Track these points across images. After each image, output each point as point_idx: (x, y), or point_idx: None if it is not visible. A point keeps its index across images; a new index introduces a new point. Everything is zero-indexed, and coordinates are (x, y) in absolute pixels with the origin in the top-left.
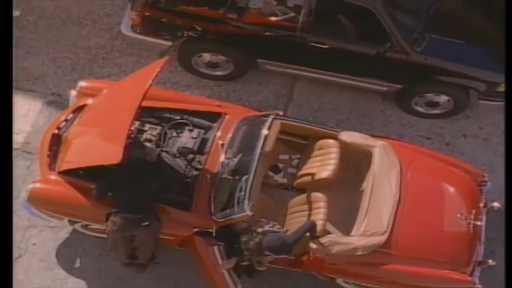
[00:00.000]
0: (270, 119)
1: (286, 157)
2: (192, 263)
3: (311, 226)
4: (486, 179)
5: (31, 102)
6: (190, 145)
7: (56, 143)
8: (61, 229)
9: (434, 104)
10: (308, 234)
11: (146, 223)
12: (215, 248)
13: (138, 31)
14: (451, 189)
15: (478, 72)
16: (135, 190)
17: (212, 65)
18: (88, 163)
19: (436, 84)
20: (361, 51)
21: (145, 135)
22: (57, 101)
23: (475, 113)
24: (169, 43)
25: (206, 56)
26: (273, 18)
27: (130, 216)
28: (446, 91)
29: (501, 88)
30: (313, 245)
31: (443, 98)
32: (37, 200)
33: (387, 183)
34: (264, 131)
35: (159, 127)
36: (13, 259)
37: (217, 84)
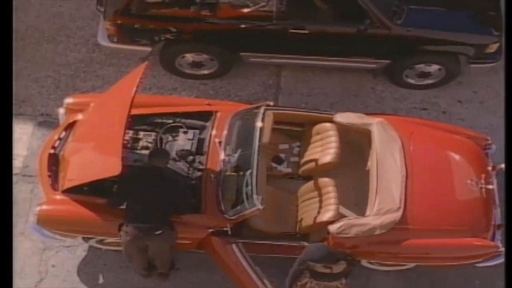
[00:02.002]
0: (261, 110)
1: (286, 146)
2: (214, 264)
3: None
4: (490, 142)
5: (22, 126)
6: (188, 147)
7: (54, 162)
8: (77, 247)
9: (425, 75)
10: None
11: (159, 232)
12: (233, 246)
13: (115, 40)
14: (457, 156)
15: (464, 37)
16: (147, 200)
17: (196, 64)
18: (89, 178)
19: (424, 55)
20: (342, 32)
21: (141, 143)
22: (47, 121)
23: (467, 78)
24: (149, 49)
25: (189, 57)
26: (246, 10)
27: (142, 226)
28: (435, 60)
29: (490, 50)
30: (331, 230)
31: (433, 68)
32: (46, 221)
33: (391, 159)
34: (258, 124)
35: (153, 133)
36: (35, 284)
37: (204, 83)
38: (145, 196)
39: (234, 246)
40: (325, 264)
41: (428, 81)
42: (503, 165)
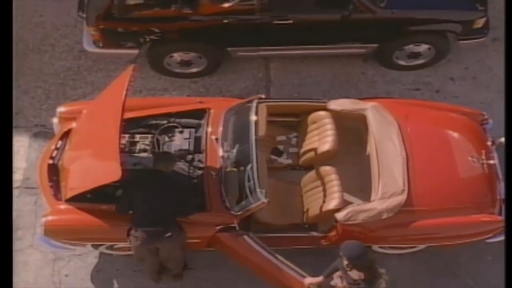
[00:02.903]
0: (254, 104)
1: (283, 138)
2: (228, 259)
3: None
4: (486, 117)
5: (18, 139)
6: (185, 147)
7: (54, 172)
8: (88, 255)
9: (415, 55)
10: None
11: (169, 234)
12: (245, 237)
13: (100, 45)
14: (455, 134)
15: (449, 14)
16: (154, 203)
17: (185, 63)
18: (91, 185)
19: (411, 35)
20: (326, 19)
21: (138, 146)
22: (42, 132)
23: (456, 55)
24: (135, 51)
25: (177, 56)
26: (227, 4)
27: (151, 230)
28: (423, 39)
29: (477, 25)
30: (338, 218)
31: (423, 48)
32: (53, 232)
33: (390, 142)
34: (253, 117)
35: (149, 135)
36: None
37: (194, 81)
38: (151, 200)
39: (245, 237)
40: (360, 264)
41: (419, 61)
42: (502, 139)
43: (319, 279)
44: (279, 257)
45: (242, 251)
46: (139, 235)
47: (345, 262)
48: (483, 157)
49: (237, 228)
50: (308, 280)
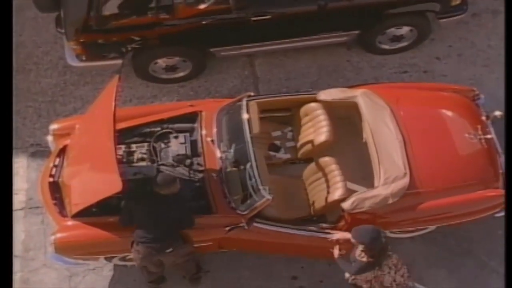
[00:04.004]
0: (244, 102)
1: (278, 133)
2: (248, 253)
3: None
4: (477, 92)
5: (16, 160)
6: (182, 151)
7: (56, 190)
8: (103, 268)
9: (398, 38)
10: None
11: (170, 249)
12: (255, 224)
13: (83, 59)
14: (449, 113)
15: None
16: (155, 222)
17: (170, 68)
18: (94, 199)
19: (391, 18)
20: (303, 11)
21: (136, 155)
22: (39, 151)
23: (438, 34)
24: (119, 61)
25: (161, 62)
26: (203, 6)
27: (153, 245)
28: (403, 22)
29: (455, 2)
30: (344, 207)
31: (404, 30)
32: (64, 248)
33: (384, 126)
34: (245, 116)
35: (145, 144)
36: None
37: (182, 86)
38: (152, 220)
39: (255, 224)
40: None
41: (402, 44)
42: (497, 112)
43: (347, 235)
44: (296, 226)
45: (260, 238)
46: (141, 249)
47: (360, 249)
48: (480, 132)
49: (246, 227)
50: (336, 236)
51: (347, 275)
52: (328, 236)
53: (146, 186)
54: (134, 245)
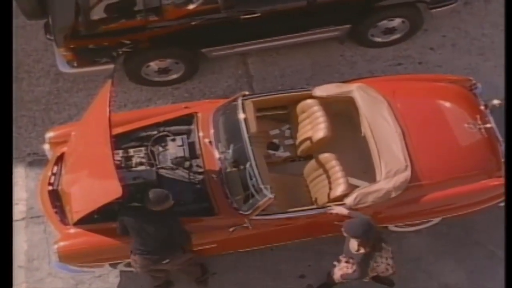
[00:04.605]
0: (239, 102)
1: (276, 131)
2: (255, 252)
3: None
4: (474, 81)
5: (14, 170)
6: (181, 154)
7: (56, 198)
8: (109, 275)
9: (390, 31)
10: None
11: (167, 260)
12: (258, 217)
13: (75, 65)
14: (446, 103)
15: None
16: (147, 237)
17: (163, 71)
18: (94, 206)
19: (382, 11)
20: (293, 7)
21: (134, 160)
22: (36, 160)
23: (431, 24)
24: (111, 66)
25: (154, 65)
26: (191, 7)
27: (148, 257)
28: (395, 13)
29: None
30: (347, 203)
31: (396, 22)
32: (67, 257)
33: (382, 120)
34: (241, 115)
35: (143, 148)
36: None
37: (176, 88)
38: (145, 236)
39: (258, 217)
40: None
41: (395, 36)
42: (495, 101)
43: (344, 210)
44: (300, 208)
45: (269, 228)
46: (137, 259)
47: (355, 241)
48: (479, 122)
49: (250, 227)
50: (334, 210)
51: (365, 280)
52: (328, 210)
53: (139, 201)
54: (131, 255)
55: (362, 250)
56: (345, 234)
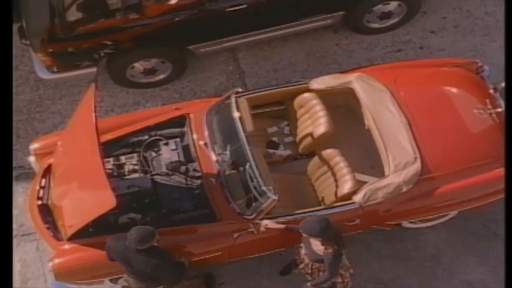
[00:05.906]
0: (233, 99)
1: (275, 129)
2: (263, 259)
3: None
4: (480, 64)
5: None
6: (175, 158)
7: (46, 213)
8: None
9: (387, 15)
10: None
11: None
12: (263, 221)
13: (55, 70)
14: (453, 89)
15: None
16: (137, 270)
17: (149, 71)
18: (88, 219)
19: None
20: None
21: (126, 168)
22: (22, 174)
23: (429, 5)
24: (94, 69)
25: (139, 65)
26: (173, 2)
27: (141, 283)
28: None
29: None
30: (356, 200)
31: (393, 5)
32: (64, 274)
33: (386, 110)
34: (235, 114)
35: (135, 154)
36: None
37: (164, 89)
38: (135, 269)
39: (263, 221)
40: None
41: (393, 21)
42: (504, 84)
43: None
44: (307, 209)
45: (276, 232)
46: (130, 282)
47: (317, 242)
48: (489, 106)
49: (255, 232)
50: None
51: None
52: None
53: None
54: (125, 275)
55: (330, 250)
56: (304, 235)
